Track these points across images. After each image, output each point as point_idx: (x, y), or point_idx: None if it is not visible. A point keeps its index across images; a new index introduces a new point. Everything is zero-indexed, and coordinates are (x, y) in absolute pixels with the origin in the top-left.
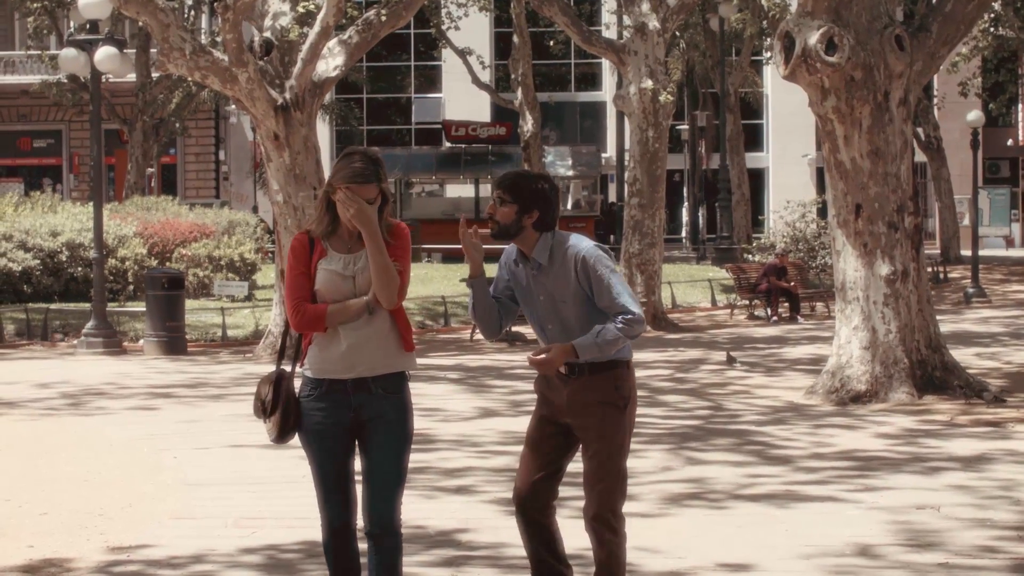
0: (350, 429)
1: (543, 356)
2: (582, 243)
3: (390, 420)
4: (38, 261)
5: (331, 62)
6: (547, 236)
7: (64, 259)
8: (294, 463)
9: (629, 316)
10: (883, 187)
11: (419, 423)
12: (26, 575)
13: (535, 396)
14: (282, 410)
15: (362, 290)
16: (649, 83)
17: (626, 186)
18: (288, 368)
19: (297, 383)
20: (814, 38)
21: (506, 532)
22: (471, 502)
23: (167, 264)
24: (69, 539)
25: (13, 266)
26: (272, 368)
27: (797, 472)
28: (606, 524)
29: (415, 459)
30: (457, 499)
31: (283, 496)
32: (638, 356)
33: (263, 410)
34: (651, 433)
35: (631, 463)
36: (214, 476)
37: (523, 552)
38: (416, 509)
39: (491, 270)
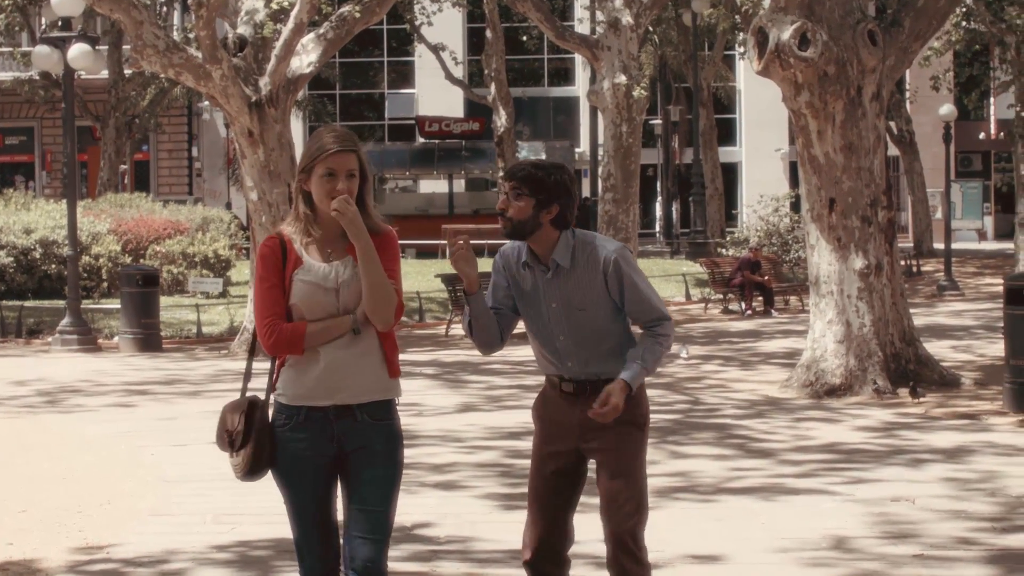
0: (332, 461)
1: (607, 408)
2: (609, 244)
3: (377, 451)
4: (11, 259)
5: (305, 58)
6: (567, 235)
7: (38, 256)
8: None
9: (666, 323)
10: (856, 181)
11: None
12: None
13: (512, 393)
14: (255, 442)
15: (347, 305)
16: (623, 78)
17: (600, 181)
18: (262, 395)
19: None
20: (787, 33)
21: (483, 527)
22: (453, 497)
23: (141, 261)
24: (47, 536)
25: None
26: (244, 369)
27: (781, 465)
28: (629, 554)
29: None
30: (439, 494)
31: (261, 492)
32: None
33: (230, 443)
34: None
35: None
36: (192, 472)
37: (495, 546)
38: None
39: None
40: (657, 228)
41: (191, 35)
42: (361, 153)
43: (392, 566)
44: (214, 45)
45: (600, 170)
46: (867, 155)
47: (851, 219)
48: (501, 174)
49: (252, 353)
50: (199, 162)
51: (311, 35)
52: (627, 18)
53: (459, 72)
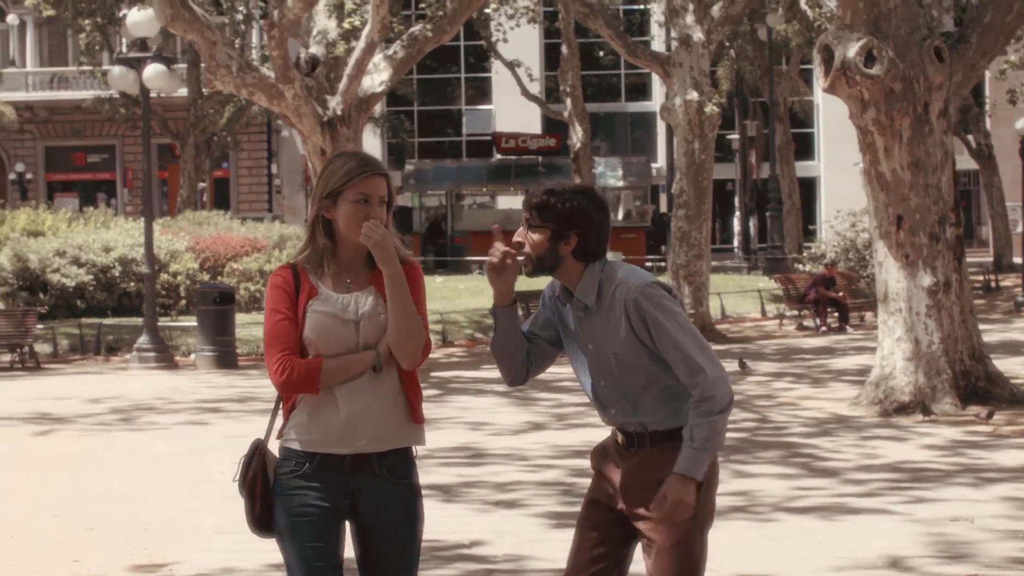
0: (343, 518)
1: (667, 507)
2: (632, 278)
3: (395, 515)
4: (91, 276)
5: (376, 77)
6: (594, 268)
7: (117, 274)
8: None
9: (706, 379)
10: (924, 198)
11: (468, 436)
12: None
13: (581, 409)
14: (247, 494)
15: (368, 340)
16: (694, 95)
17: (673, 197)
18: (266, 436)
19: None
20: (853, 50)
21: (540, 546)
22: (514, 516)
23: (219, 279)
24: (113, 553)
25: (67, 281)
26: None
27: (844, 484)
28: None
29: (466, 474)
30: (501, 512)
31: None
32: None
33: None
34: None
35: None
36: None
37: (549, 565)
38: (459, 522)
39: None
40: (735, 243)
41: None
42: (389, 179)
43: None
44: (286, 65)
45: (673, 186)
46: (934, 172)
47: (919, 236)
48: None
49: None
50: (278, 179)
51: (382, 54)
52: (698, 34)
53: (536, 88)
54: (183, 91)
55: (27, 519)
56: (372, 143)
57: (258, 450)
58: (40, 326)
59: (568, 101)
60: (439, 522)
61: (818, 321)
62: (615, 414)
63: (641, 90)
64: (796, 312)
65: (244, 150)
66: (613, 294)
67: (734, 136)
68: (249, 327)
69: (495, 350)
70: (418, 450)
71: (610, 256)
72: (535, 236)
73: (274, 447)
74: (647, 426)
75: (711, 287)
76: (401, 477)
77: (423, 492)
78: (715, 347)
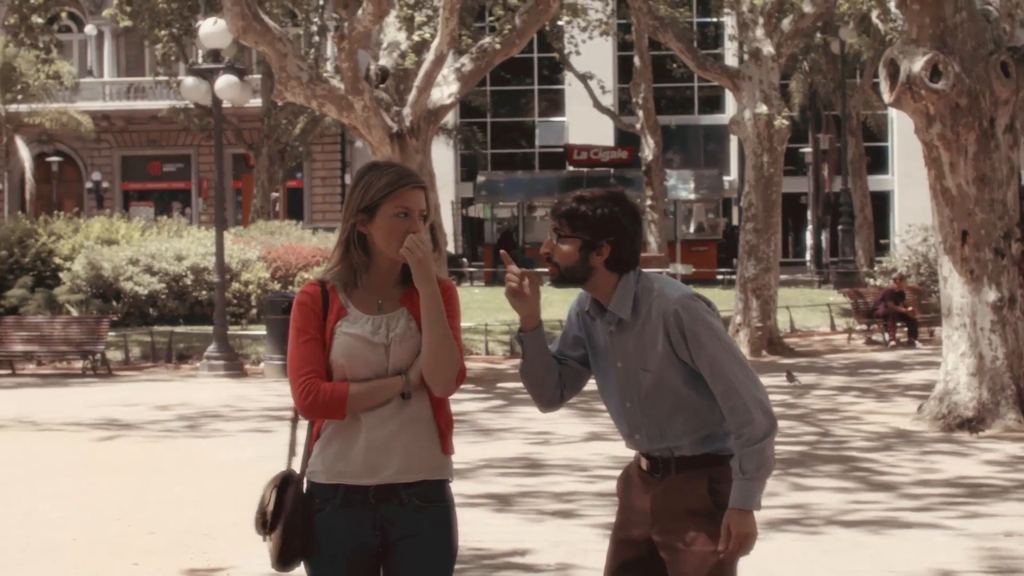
0: (375, 553)
1: (733, 541)
2: (672, 291)
3: (427, 539)
4: (164, 285)
5: (446, 89)
6: (628, 279)
7: (189, 283)
8: None
9: (745, 407)
10: (989, 214)
11: (529, 447)
12: None
13: None
14: (284, 525)
15: (398, 365)
16: (764, 108)
17: (742, 211)
18: (297, 468)
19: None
20: (919, 65)
21: (593, 556)
22: (569, 525)
23: (290, 288)
24: (171, 557)
25: (139, 290)
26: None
27: (901, 499)
28: None
29: (523, 483)
30: (556, 522)
31: None
32: None
33: (262, 523)
34: None
35: None
36: None
37: (596, 575)
38: (504, 531)
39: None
40: (808, 257)
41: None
42: (428, 192)
43: None
44: (356, 77)
45: (742, 200)
46: (1000, 187)
47: (984, 251)
48: (649, 203)
49: (297, 419)
50: None
51: (451, 67)
52: (768, 48)
53: (608, 100)
54: (257, 101)
55: (90, 523)
56: (445, 155)
57: (291, 480)
58: (112, 333)
59: (640, 113)
60: (491, 531)
61: (887, 336)
62: (639, 439)
63: (715, 103)
64: (865, 326)
65: (318, 160)
66: (650, 307)
67: (807, 149)
68: None
69: (525, 376)
70: (452, 474)
71: (680, 268)
72: (564, 247)
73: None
74: (674, 451)
75: (781, 301)
76: (432, 501)
77: (476, 502)
78: (782, 360)
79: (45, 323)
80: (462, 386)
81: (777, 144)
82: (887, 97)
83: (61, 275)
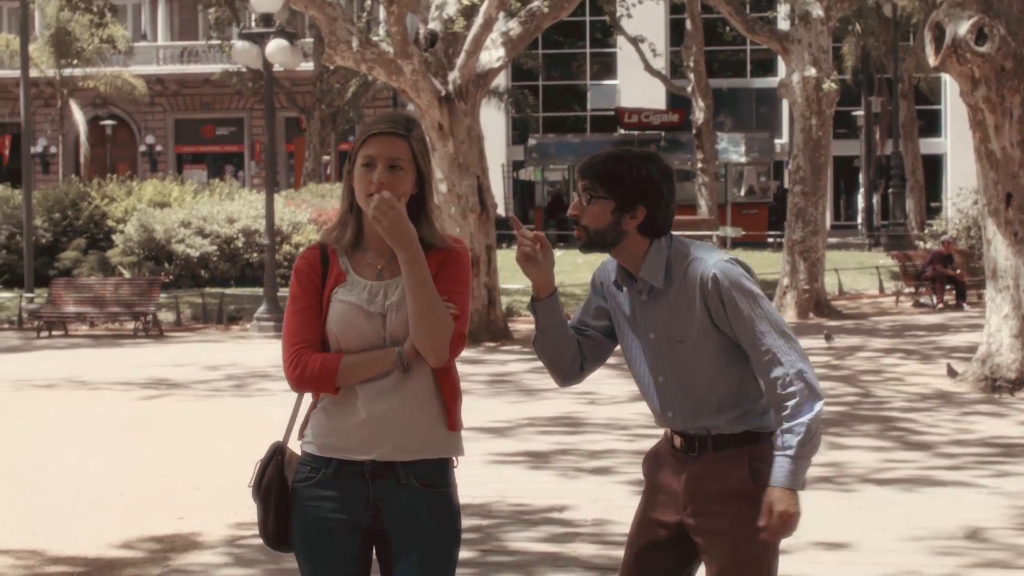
0: (367, 533)
1: (775, 521)
2: (709, 256)
3: (425, 531)
4: (215, 247)
5: (494, 53)
6: (660, 245)
7: (240, 245)
8: None
9: (792, 379)
10: None
11: (570, 406)
12: (160, 544)
13: None
14: (261, 502)
15: (396, 335)
16: (812, 71)
17: (789, 174)
18: (287, 440)
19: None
20: (964, 28)
21: (628, 511)
22: (606, 482)
23: None
24: (216, 512)
25: (191, 252)
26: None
27: (934, 458)
28: None
29: (560, 441)
30: (594, 479)
31: None
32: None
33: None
34: None
35: None
36: None
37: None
38: (543, 487)
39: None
40: (859, 220)
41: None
42: (416, 143)
43: (528, 546)
44: (405, 40)
45: (790, 163)
46: None
47: None
48: (700, 166)
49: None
50: None
51: (500, 31)
52: (817, 11)
53: (660, 63)
54: (309, 65)
55: (137, 479)
56: (496, 118)
57: (276, 454)
58: (164, 295)
59: (691, 76)
60: (529, 487)
61: (934, 298)
62: (672, 416)
63: (767, 66)
64: (913, 289)
65: None
66: (685, 273)
67: (859, 113)
68: None
69: (542, 350)
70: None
71: (730, 231)
72: (595, 208)
73: (296, 447)
74: (711, 429)
75: (830, 263)
76: (432, 485)
77: (515, 459)
78: (830, 323)
79: (97, 284)
80: (508, 346)
81: (826, 107)
82: (932, 60)
83: (114, 237)
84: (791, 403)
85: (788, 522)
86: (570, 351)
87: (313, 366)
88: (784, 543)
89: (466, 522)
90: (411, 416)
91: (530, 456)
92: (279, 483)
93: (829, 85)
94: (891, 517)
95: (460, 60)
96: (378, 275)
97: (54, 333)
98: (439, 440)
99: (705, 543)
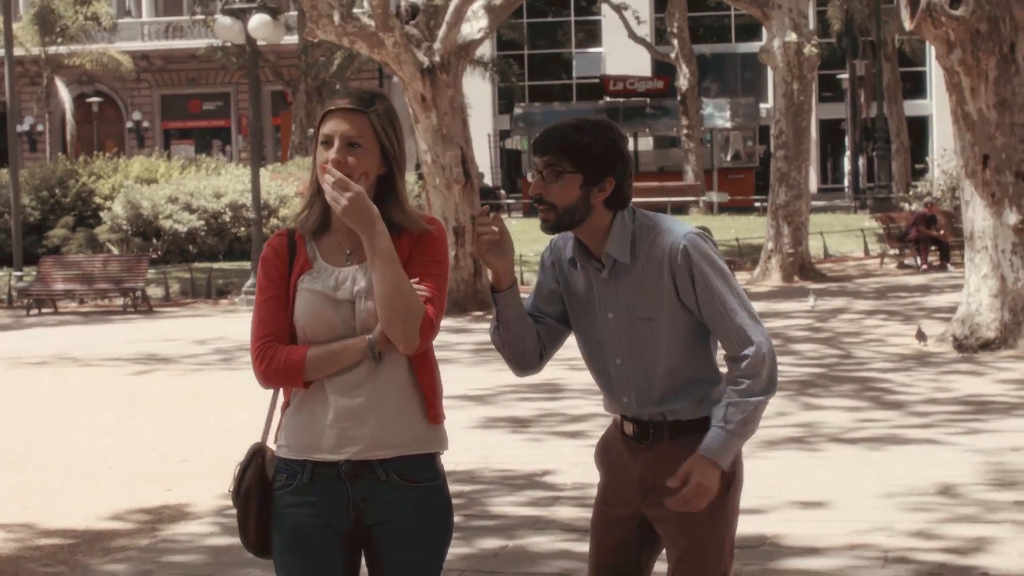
0: (351, 537)
1: (688, 490)
2: (678, 228)
3: (411, 528)
4: (202, 222)
5: (475, 24)
6: (623, 218)
7: (227, 220)
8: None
9: (752, 352)
10: (1010, 137)
11: (551, 372)
12: (149, 515)
13: None
14: (241, 508)
15: (366, 324)
16: (793, 36)
17: (772, 138)
18: (266, 441)
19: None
20: None
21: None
22: (585, 447)
23: None
24: (203, 484)
25: (179, 227)
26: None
27: (907, 416)
28: None
29: (541, 407)
30: (573, 443)
31: None
32: (778, 306)
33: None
34: None
35: None
36: None
37: None
38: (525, 453)
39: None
40: (846, 183)
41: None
42: (378, 118)
43: (511, 511)
44: (386, 14)
45: (772, 127)
46: (1021, 111)
47: (1004, 175)
48: (685, 132)
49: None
50: None
51: (481, 2)
52: None
53: (645, 30)
54: (294, 39)
55: (126, 453)
56: (482, 88)
57: (255, 456)
58: (152, 271)
59: (675, 43)
60: (513, 453)
61: (919, 259)
62: (628, 402)
63: (752, 31)
64: (897, 251)
65: None
66: (651, 246)
67: (844, 76)
68: None
69: (503, 343)
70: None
71: (715, 197)
72: (558, 186)
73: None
74: (667, 415)
75: (816, 227)
76: (416, 480)
77: (498, 425)
78: (814, 286)
79: (86, 261)
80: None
81: (807, 72)
82: (907, 24)
83: (102, 214)
84: (748, 382)
85: (701, 495)
86: (531, 341)
87: (279, 360)
88: (759, 502)
89: (450, 488)
90: (386, 410)
91: (513, 422)
92: (260, 487)
93: (810, 50)
94: (865, 476)
95: (442, 32)
96: (347, 260)
97: (44, 311)
98: (419, 434)
99: (665, 531)
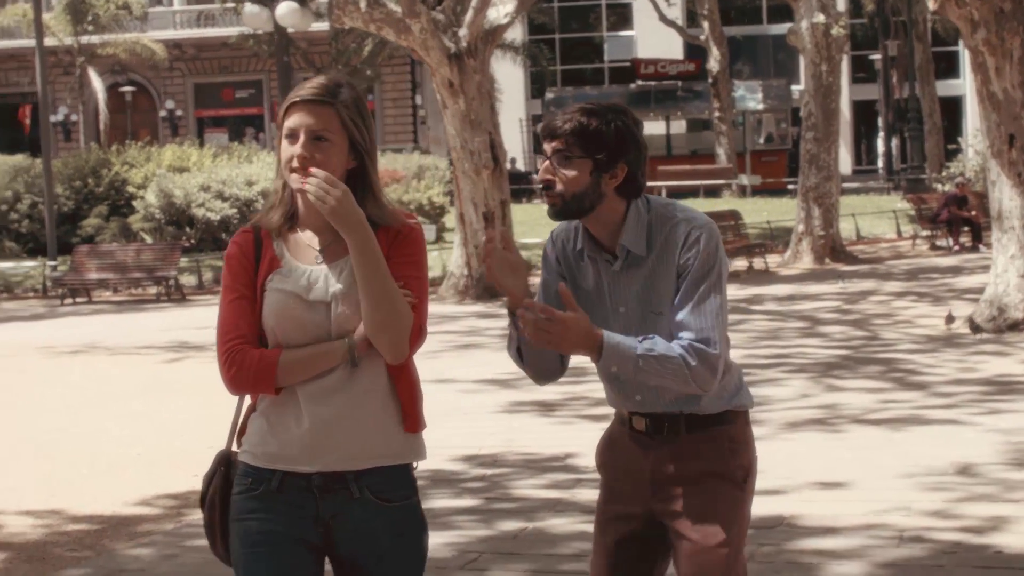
0: (317, 550)
1: (553, 324)
2: (697, 216)
3: (383, 550)
4: (235, 210)
5: (502, 9)
6: (638, 207)
7: (259, 207)
8: (450, 396)
9: (703, 348)
10: None
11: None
12: (175, 500)
13: None
14: (207, 519)
15: (342, 327)
16: (821, 18)
17: (802, 120)
18: (234, 449)
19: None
20: None
21: None
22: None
23: None
24: None
25: (211, 215)
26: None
27: (931, 397)
28: None
29: (566, 391)
30: (599, 426)
31: (437, 427)
32: (808, 288)
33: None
34: (798, 363)
35: (767, 391)
36: None
37: None
38: (549, 436)
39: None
40: (880, 165)
41: None
42: (345, 109)
43: (532, 493)
44: (413, 0)
45: (801, 109)
46: None
47: None
48: (717, 114)
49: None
50: (423, 110)
51: None
52: None
53: (675, 13)
54: (324, 25)
55: (155, 440)
56: (514, 72)
57: (220, 465)
58: (185, 259)
59: (705, 25)
60: (537, 436)
61: (950, 240)
62: (640, 400)
63: (784, 12)
64: (929, 232)
65: (387, 82)
66: (666, 237)
67: (877, 56)
68: None
69: (526, 360)
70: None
71: (746, 180)
72: (570, 171)
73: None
74: (683, 409)
75: (848, 208)
76: (391, 499)
77: (523, 409)
78: (844, 268)
79: (119, 251)
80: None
81: (835, 53)
82: (931, 4)
83: (135, 203)
84: (695, 353)
85: (552, 330)
86: (551, 353)
87: (250, 364)
88: (778, 483)
89: (473, 471)
90: (361, 419)
91: (538, 406)
92: (225, 496)
93: (838, 31)
94: (885, 456)
95: (468, 17)
96: (317, 258)
97: (78, 300)
98: (395, 444)
99: (675, 526)
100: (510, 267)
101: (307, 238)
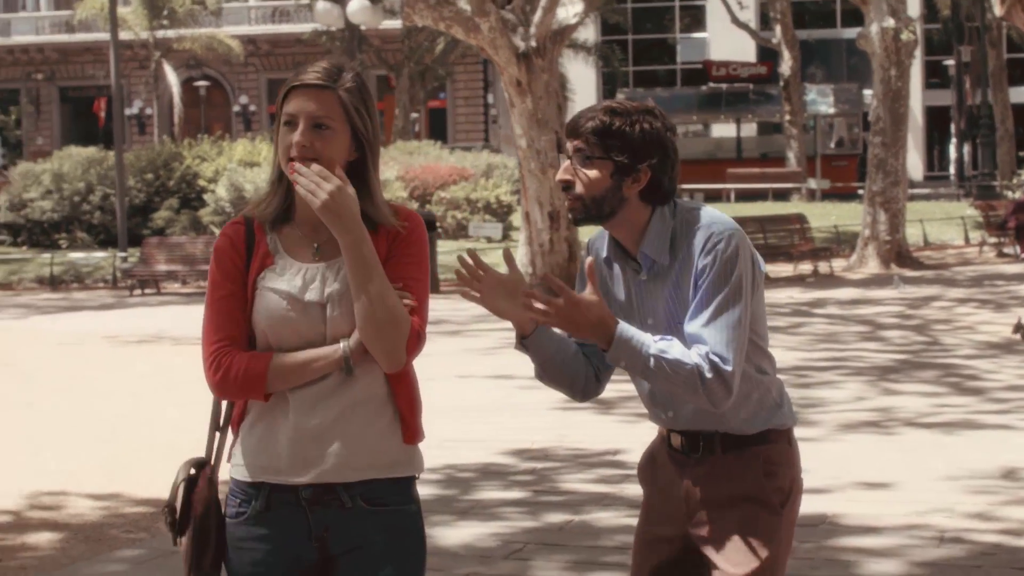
0: (316, 567)
1: (568, 305)
2: (724, 222)
3: (379, 555)
4: None
5: (571, 9)
6: (664, 213)
7: None
8: (508, 392)
9: (718, 365)
10: None
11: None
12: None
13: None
14: (193, 532)
15: (338, 330)
16: (891, 22)
17: (870, 125)
18: (215, 457)
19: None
20: None
21: None
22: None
23: (427, 207)
24: None
25: None
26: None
27: (985, 402)
28: None
29: (623, 389)
30: (651, 424)
31: (492, 422)
32: (871, 293)
33: (171, 523)
34: (856, 366)
35: (823, 393)
36: (433, 404)
37: None
38: (601, 432)
39: None
40: (951, 171)
41: None
42: (348, 95)
43: (580, 487)
44: None
45: (869, 114)
46: None
47: None
48: (788, 118)
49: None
50: (494, 108)
51: None
52: None
53: (748, 16)
54: (397, 23)
55: (178, 428)
56: (586, 73)
57: (203, 473)
58: None
59: (777, 28)
60: (590, 433)
61: (1017, 248)
62: (672, 416)
63: (857, 16)
64: (996, 239)
65: (460, 80)
66: (690, 245)
67: (951, 62)
68: (451, 254)
69: (550, 381)
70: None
71: (814, 184)
72: (591, 172)
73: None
74: (719, 427)
75: (916, 214)
76: (383, 503)
77: (581, 407)
78: (909, 273)
79: (188, 243)
80: None
81: (904, 58)
82: (998, 10)
83: (205, 197)
84: (711, 366)
85: (567, 313)
86: (579, 369)
87: (237, 369)
88: (824, 483)
89: (521, 465)
90: (355, 429)
91: (595, 403)
92: (217, 508)
93: (907, 35)
94: (933, 458)
95: (537, 16)
96: (315, 254)
97: (146, 291)
98: (392, 456)
99: (713, 552)
100: (506, 290)
101: (304, 232)
